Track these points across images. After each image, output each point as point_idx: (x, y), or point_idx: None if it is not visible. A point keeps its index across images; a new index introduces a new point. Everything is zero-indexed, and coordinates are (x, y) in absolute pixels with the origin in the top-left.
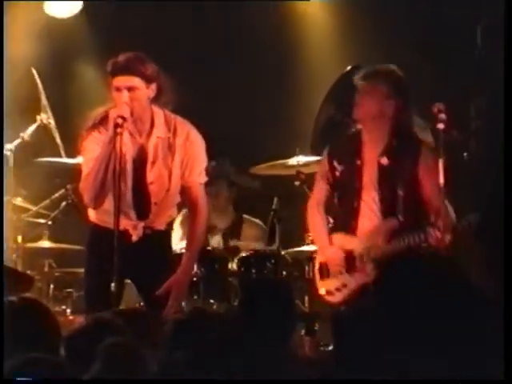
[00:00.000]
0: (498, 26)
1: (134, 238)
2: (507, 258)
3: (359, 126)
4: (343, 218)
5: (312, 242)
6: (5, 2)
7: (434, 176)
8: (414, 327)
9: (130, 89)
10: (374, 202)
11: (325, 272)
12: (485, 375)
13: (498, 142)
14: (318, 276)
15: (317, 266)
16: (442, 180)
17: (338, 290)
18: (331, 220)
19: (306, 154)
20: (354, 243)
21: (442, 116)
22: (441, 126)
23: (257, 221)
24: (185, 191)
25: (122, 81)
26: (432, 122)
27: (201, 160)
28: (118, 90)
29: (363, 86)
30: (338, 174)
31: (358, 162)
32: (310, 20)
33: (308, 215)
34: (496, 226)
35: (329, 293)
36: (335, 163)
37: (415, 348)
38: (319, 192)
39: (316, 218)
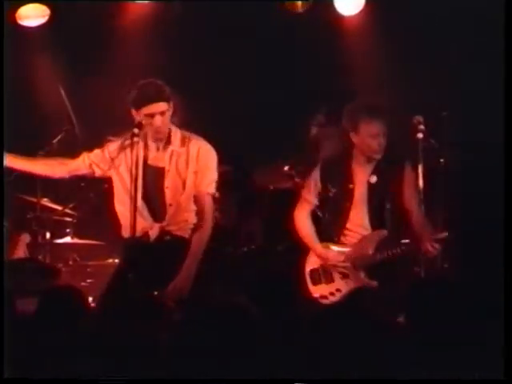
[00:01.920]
0: (472, 48)
1: (152, 237)
2: (507, 258)
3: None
4: (332, 231)
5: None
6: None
7: (415, 192)
8: (413, 327)
9: (162, 113)
10: (363, 217)
11: (317, 278)
12: (485, 375)
13: (468, 150)
14: (309, 281)
15: (307, 272)
16: (421, 185)
17: (332, 294)
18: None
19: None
20: (345, 253)
21: (421, 127)
22: (420, 135)
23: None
24: (195, 199)
25: (154, 108)
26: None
27: (211, 172)
28: (151, 116)
29: (362, 123)
30: (331, 194)
31: (351, 186)
32: (310, 29)
33: (297, 224)
34: (468, 221)
35: (323, 297)
36: (329, 186)
37: (414, 348)
38: (307, 205)
39: (306, 227)
